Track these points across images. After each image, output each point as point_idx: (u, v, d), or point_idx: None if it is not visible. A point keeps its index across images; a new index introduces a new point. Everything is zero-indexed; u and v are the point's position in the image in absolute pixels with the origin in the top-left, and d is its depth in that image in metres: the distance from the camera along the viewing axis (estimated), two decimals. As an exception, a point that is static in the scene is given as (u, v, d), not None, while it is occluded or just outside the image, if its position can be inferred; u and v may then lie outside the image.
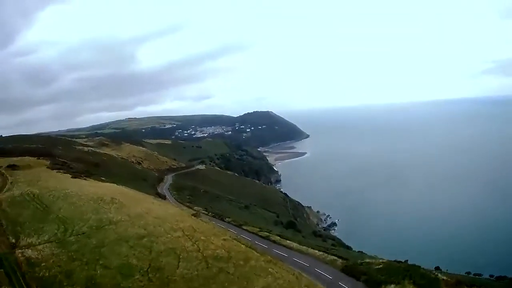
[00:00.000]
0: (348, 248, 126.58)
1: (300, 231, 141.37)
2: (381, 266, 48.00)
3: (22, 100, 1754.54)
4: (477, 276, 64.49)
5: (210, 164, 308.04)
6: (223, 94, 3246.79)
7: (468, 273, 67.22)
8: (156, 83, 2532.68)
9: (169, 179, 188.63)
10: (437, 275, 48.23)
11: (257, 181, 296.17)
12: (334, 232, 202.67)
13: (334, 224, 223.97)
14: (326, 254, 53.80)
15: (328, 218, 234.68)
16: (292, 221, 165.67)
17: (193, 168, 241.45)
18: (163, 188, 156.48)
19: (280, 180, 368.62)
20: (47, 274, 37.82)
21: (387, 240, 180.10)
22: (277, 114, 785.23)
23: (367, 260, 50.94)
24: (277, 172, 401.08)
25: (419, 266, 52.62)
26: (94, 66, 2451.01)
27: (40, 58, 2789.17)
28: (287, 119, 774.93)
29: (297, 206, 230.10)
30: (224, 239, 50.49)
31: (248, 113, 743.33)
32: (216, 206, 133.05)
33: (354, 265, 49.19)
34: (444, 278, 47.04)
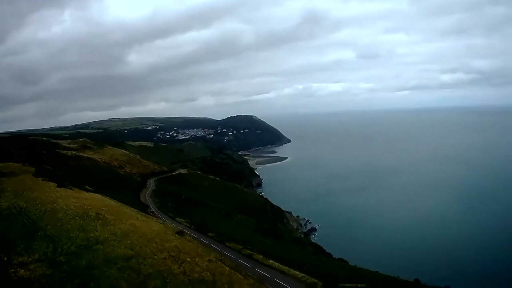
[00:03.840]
0: (329, 255, 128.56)
1: (280, 238, 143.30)
2: (360, 292, 49.98)
3: (8, 97, 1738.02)
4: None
5: (191, 167, 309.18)
6: (207, 96, 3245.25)
7: (448, 286, 68.73)
8: (142, 85, 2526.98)
9: (152, 184, 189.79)
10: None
11: (238, 186, 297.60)
12: (314, 238, 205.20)
13: (314, 229, 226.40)
14: (307, 276, 55.68)
15: (308, 223, 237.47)
16: (272, 228, 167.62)
17: (175, 172, 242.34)
18: (146, 194, 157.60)
19: (262, 184, 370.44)
20: (40, 296, 38.62)
21: (366, 247, 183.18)
22: (260, 118, 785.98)
23: (347, 285, 52.76)
24: (258, 176, 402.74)
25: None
26: (81, 66, 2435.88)
27: (29, 58, 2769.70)
28: (269, 123, 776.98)
29: (277, 211, 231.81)
30: (209, 260, 52.18)
31: (231, 116, 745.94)
32: (197, 214, 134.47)
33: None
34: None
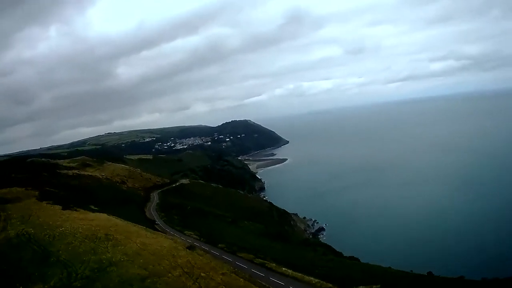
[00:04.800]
0: (339, 254, 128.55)
1: (289, 241, 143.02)
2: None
3: (1, 119, 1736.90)
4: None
5: (192, 176, 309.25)
6: (199, 104, 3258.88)
7: (462, 277, 68.33)
8: (133, 97, 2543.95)
9: (155, 197, 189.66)
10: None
11: (241, 192, 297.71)
12: (323, 237, 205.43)
13: (322, 229, 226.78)
14: (322, 282, 55.56)
15: (315, 224, 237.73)
16: (280, 232, 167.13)
17: (177, 184, 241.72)
18: (151, 209, 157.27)
19: (264, 188, 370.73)
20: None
21: (376, 242, 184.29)
22: (255, 122, 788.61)
23: (361, 287, 52.64)
24: (260, 180, 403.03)
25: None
26: (71, 83, 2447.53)
27: (18, 78, 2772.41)
28: (265, 126, 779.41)
29: (283, 214, 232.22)
30: (223, 274, 51.92)
31: (226, 122, 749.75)
32: (204, 225, 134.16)
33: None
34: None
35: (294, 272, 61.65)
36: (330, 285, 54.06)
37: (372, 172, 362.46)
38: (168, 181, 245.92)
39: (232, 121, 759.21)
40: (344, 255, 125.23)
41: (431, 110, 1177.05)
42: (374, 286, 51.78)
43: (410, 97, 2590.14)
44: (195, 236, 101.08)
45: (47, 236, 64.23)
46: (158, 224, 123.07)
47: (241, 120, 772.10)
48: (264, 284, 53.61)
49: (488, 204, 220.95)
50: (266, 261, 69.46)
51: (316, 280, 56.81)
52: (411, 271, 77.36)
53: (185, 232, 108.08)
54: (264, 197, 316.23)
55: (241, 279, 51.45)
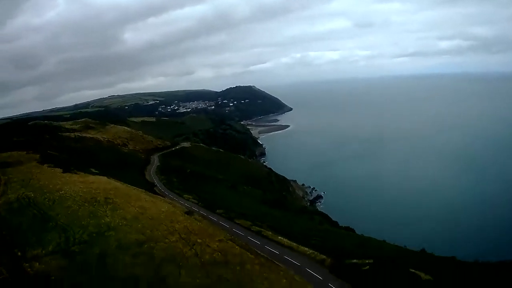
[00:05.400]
0: (335, 224, 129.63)
1: (287, 209, 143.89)
2: (367, 268, 50.14)
3: (7, 83, 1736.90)
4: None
5: (194, 140, 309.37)
6: (204, 69, 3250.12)
7: (453, 257, 68.05)
8: (139, 61, 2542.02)
9: (155, 160, 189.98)
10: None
11: (242, 156, 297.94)
12: (320, 205, 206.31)
13: (320, 197, 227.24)
14: (316, 253, 56.28)
15: (313, 191, 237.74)
16: (278, 199, 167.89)
17: (178, 147, 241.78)
18: (151, 172, 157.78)
19: (265, 154, 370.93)
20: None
21: (372, 215, 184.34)
22: (259, 88, 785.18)
23: (354, 261, 53.10)
24: (261, 145, 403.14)
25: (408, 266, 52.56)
26: (77, 48, 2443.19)
27: (26, 44, 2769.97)
28: (269, 93, 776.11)
29: (282, 180, 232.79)
30: (219, 240, 52.85)
31: (230, 87, 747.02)
32: (203, 188, 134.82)
33: (342, 266, 51.41)
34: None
35: (289, 241, 62.43)
36: (324, 256, 54.71)
37: (374, 144, 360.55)
38: (170, 144, 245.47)
39: (236, 86, 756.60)
40: (340, 225, 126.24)
41: (437, 87, 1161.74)
42: (367, 261, 52.17)
43: (416, 73, 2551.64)
44: (193, 200, 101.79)
45: (46, 200, 65.00)
46: (157, 186, 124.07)
47: (245, 86, 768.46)
48: (259, 252, 54.38)
49: (490, 185, 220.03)
50: (262, 229, 70.23)
51: (311, 251, 57.49)
52: (405, 246, 77.57)
53: (184, 196, 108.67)
54: (264, 162, 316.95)
55: (237, 247, 52.27)
